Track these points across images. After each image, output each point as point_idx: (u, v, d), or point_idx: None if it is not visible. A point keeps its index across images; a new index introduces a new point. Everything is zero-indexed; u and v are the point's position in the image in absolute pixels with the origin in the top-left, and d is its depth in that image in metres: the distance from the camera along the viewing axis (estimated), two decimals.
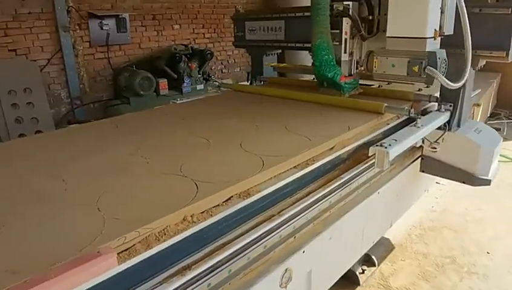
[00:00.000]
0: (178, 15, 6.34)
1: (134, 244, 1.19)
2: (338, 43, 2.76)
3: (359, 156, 2.27)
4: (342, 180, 1.99)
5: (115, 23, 5.55)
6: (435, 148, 2.67)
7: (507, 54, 2.29)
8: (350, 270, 2.49)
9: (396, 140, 2.04)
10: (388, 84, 3.38)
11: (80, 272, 1.04)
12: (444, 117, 2.56)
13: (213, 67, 6.92)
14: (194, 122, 2.43)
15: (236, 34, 3.73)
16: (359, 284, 2.62)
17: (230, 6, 7.00)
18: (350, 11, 2.65)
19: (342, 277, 2.25)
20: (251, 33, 3.54)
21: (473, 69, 2.56)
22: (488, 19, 2.29)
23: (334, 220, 1.98)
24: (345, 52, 2.75)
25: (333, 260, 2.12)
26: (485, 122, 4.60)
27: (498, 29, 2.27)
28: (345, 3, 2.65)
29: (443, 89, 2.59)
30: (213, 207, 1.42)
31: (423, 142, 2.69)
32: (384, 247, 3.05)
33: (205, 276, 1.32)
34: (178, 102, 3.32)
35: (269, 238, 1.58)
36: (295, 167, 1.79)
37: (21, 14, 4.88)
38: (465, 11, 2.10)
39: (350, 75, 2.84)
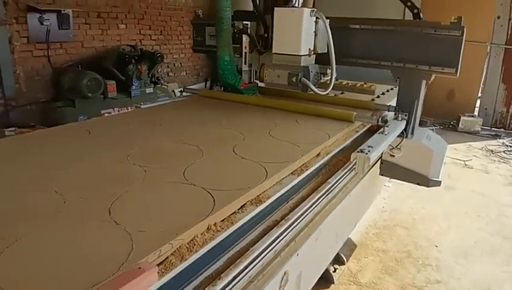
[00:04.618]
0: (125, 14, 6.08)
1: (167, 257, 1.17)
2: (238, 56, 3.18)
3: (336, 161, 2.40)
4: (330, 185, 2.09)
5: (57, 18, 5.16)
6: (394, 153, 2.90)
7: (456, 71, 2.56)
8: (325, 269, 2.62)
9: (372, 146, 2.19)
10: (342, 93, 3.61)
11: None
12: (402, 125, 2.81)
13: (159, 70, 6.73)
14: (174, 128, 2.36)
15: (195, 38, 3.69)
16: (333, 282, 2.75)
17: (177, 9, 6.89)
18: (249, 29, 3.17)
19: None
20: (212, 38, 3.52)
21: (426, 83, 2.87)
22: (441, 39, 2.55)
23: (320, 222, 2.07)
24: (245, 63, 3.19)
25: (317, 260, 2.22)
26: None
27: (450, 48, 2.54)
28: (244, 22, 3.17)
29: (399, 99, 2.88)
30: (231, 215, 1.43)
31: None
32: (348, 246, 3.24)
33: (230, 284, 1.32)
34: (142, 106, 3.11)
35: (278, 243, 1.62)
36: (292, 173, 1.86)
37: None
38: (331, 35, 2.64)
39: (250, 82, 3.25)
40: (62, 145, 2.01)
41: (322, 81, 2.91)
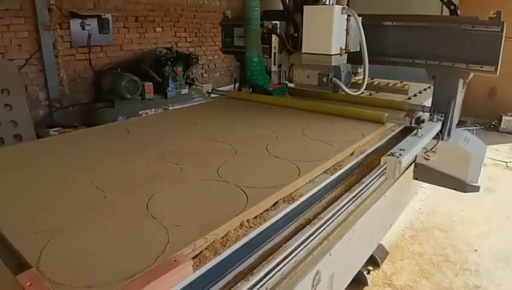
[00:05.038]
0: (161, 18, 6.27)
1: (202, 251, 1.20)
2: (268, 56, 3.15)
3: (371, 160, 2.36)
4: (364, 184, 2.05)
5: (98, 23, 5.40)
6: (428, 156, 2.75)
7: (496, 69, 2.43)
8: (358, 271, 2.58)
9: (404, 149, 2.11)
10: (377, 92, 3.54)
11: (162, 282, 1.01)
12: (438, 127, 2.68)
13: (193, 72, 6.88)
14: (208, 128, 2.40)
15: (224, 39, 3.69)
16: (367, 284, 2.71)
17: (212, 11, 7.01)
18: (278, 29, 3.08)
19: None
20: (240, 39, 3.52)
21: (463, 82, 2.73)
22: (479, 36, 2.43)
23: (353, 222, 2.05)
24: (274, 64, 3.15)
25: (350, 261, 2.20)
26: None
27: (489, 45, 2.41)
28: (273, 22, 3.06)
29: (435, 99, 2.76)
30: (263, 212, 1.45)
31: None
32: (381, 249, 3.17)
33: (263, 280, 1.34)
34: (170, 108, 3.11)
35: (311, 241, 1.62)
36: (325, 171, 1.85)
37: None
38: (363, 33, 2.53)
39: (279, 83, 3.21)
40: (103, 144, 2.11)
41: (353, 80, 2.86)
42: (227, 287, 1.27)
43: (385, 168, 2.04)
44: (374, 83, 3.64)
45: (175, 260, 1.08)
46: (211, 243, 1.22)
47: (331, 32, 2.55)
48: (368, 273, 2.79)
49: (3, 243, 1.21)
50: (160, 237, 1.20)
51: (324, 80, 2.66)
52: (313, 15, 2.63)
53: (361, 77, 2.72)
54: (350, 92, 2.67)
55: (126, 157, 1.90)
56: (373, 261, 2.88)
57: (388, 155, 2.01)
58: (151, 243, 1.17)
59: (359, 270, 2.64)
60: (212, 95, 3.53)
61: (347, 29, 2.64)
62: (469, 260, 3.14)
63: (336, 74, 2.64)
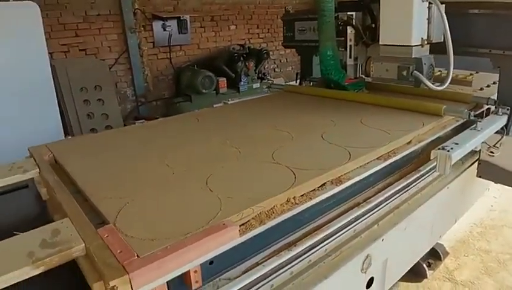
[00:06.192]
0: (235, 16, 6.59)
1: (249, 220, 1.35)
2: (343, 49, 3.02)
3: (430, 150, 2.32)
4: (420, 173, 2.05)
5: (177, 24, 5.85)
6: (493, 152, 2.58)
7: None
8: (417, 263, 2.54)
9: (457, 143, 2.01)
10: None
11: (211, 240, 1.17)
12: (502, 121, 2.50)
13: (266, 66, 7.10)
14: (269, 118, 2.53)
15: (285, 34, 3.71)
16: (426, 277, 2.67)
17: (283, 6, 7.11)
18: (354, 20, 2.94)
19: (409, 269, 2.28)
20: (301, 33, 3.51)
21: None
22: None
23: (410, 211, 2.04)
24: (350, 57, 3.02)
25: (406, 250, 2.19)
26: None
27: None
28: (349, 13, 2.91)
29: (500, 91, 2.58)
30: (310, 191, 1.56)
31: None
32: (446, 243, 3.07)
33: (307, 252, 1.46)
34: (230, 102, 3.28)
35: (357, 224, 1.69)
36: (378, 158, 1.89)
37: (90, 16, 5.27)
38: (446, 21, 2.38)
39: (356, 77, 3.05)
40: (176, 131, 2.37)
41: None
42: (272, 254, 1.41)
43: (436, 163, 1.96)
44: (436, 74, 3.44)
45: (224, 224, 1.24)
46: (258, 214, 1.36)
47: (412, 21, 2.41)
48: (429, 266, 2.74)
49: (90, 205, 1.48)
50: (214, 206, 1.37)
51: (404, 73, 2.57)
52: (391, 4, 2.51)
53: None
54: (432, 86, 2.52)
55: (194, 142, 2.12)
56: (434, 255, 2.81)
57: (439, 149, 1.93)
58: (206, 210, 1.35)
59: (419, 262, 2.60)
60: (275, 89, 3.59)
61: (428, 18, 2.48)
62: None
63: (418, 67, 2.52)
